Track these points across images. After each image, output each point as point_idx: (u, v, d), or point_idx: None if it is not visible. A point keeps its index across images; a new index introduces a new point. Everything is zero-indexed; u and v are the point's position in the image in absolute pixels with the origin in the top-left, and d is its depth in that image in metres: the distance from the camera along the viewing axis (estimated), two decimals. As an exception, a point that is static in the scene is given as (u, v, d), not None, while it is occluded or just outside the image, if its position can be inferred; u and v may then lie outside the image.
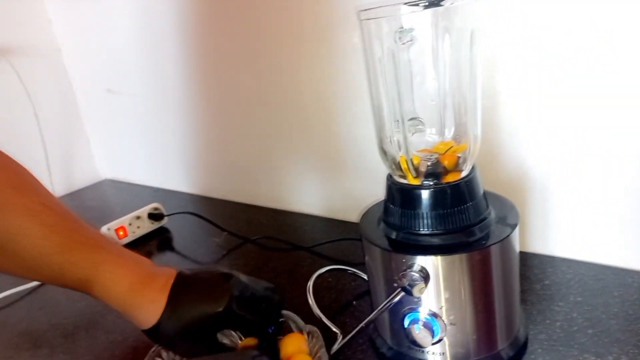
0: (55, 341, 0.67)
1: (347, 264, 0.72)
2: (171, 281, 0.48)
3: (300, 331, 0.52)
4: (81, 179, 1.35)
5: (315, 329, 0.51)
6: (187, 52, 1.02)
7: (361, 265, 0.70)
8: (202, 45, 0.99)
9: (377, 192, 0.59)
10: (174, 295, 0.47)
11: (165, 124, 1.16)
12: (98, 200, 1.26)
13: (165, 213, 0.98)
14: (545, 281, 0.63)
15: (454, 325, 0.49)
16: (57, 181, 1.27)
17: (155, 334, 0.47)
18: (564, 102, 0.61)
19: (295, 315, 0.54)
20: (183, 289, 0.48)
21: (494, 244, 0.48)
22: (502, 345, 0.51)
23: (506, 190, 0.58)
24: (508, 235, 0.48)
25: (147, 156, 1.26)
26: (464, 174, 0.50)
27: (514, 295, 0.52)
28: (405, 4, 0.45)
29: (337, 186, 0.90)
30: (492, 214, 0.51)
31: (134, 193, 1.25)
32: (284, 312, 0.55)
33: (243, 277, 0.52)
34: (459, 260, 0.47)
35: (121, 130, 1.28)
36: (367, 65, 0.51)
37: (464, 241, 0.48)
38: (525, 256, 0.68)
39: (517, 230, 0.49)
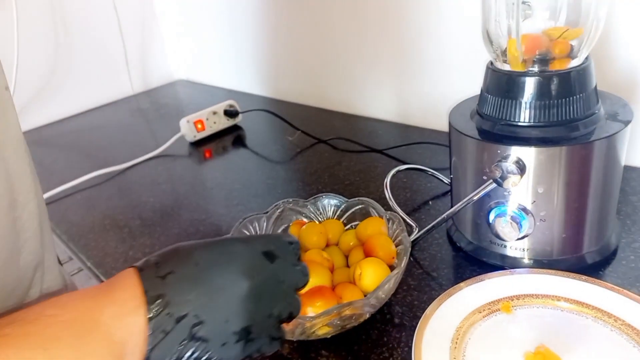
0: (147, 217, 0.72)
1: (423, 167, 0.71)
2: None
3: (380, 216, 0.53)
4: (157, 78, 1.38)
5: (395, 215, 0.51)
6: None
7: (439, 169, 0.69)
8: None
9: (457, 97, 0.56)
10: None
11: (238, 25, 1.14)
12: (172, 98, 1.30)
13: (240, 110, 0.99)
14: (641, 194, 0.59)
15: (543, 221, 0.47)
16: (135, 79, 1.31)
17: None
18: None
19: (374, 201, 0.54)
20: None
21: (600, 139, 0.44)
22: (589, 248, 0.49)
23: (619, 91, 0.53)
24: (617, 132, 0.45)
25: (220, 57, 1.26)
26: (575, 62, 0.45)
27: (611, 200, 0.49)
28: None
29: (414, 90, 0.87)
30: (602, 111, 0.47)
31: (209, 93, 1.28)
32: (363, 199, 0.55)
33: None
34: (559, 153, 0.44)
35: (195, 31, 1.28)
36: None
37: (566, 135, 0.45)
38: (626, 170, 0.64)
39: (628, 128, 0.46)
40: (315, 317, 0.39)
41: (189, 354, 0.30)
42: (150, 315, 0.29)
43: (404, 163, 0.75)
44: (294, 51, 1.05)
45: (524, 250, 0.49)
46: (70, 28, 1.17)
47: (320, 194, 0.58)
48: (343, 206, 0.57)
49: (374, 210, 0.54)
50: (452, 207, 0.54)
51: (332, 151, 0.84)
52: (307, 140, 0.89)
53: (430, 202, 0.65)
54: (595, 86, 0.47)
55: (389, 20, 0.84)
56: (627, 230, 0.53)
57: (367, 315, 0.44)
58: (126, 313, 0.29)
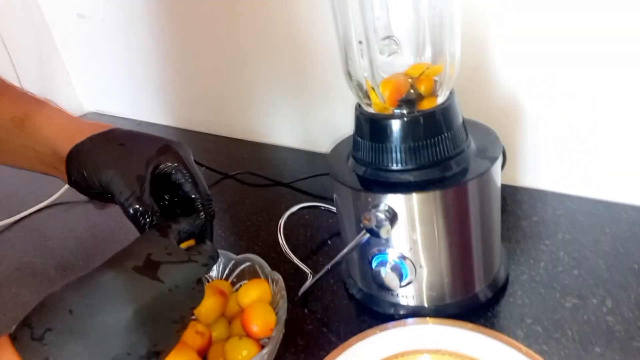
0: (26, 282, 0.66)
1: (327, 200, 0.68)
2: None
3: (266, 277, 0.49)
4: (64, 113, 1.30)
5: (278, 276, 0.47)
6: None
7: (339, 202, 0.66)
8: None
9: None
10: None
11: (140, 55, 1.08)
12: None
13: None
14: (534, 217, 0.58)
15: (425, 267, 0.45)
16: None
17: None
18: (561, 16, 0.53)
19: (262, 260, 0.50)
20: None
21: (471, 179, 0.43)
22: (479, 287, 0.48)
23: (493, 119, 0.52)
24: (487, 170, 0.43)
25: (127, 88, 1.19)
26: (440, 100, 0.43)
27: (494, 235, 0.48)
28: None
29: (319, 117, 0.84)
30: (472, 146, 0.46)
31: (117, 124, 1.20)
32: (250, 255, 0.51)
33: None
34: (432, 198, 0.42)
35: (100, 63, 1.21)
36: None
37: (438, 177, 0.43)
38: (514, 190, 0.63)
39: (497, 163, 0.44)
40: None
41: None
42: None
43: (309, 195, 0.72)
44: (199, 80, 1.00)
45: (412, 297, 0.47)
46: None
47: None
48: (231, 264, 0.53)
49: (260, 269, 0.50)
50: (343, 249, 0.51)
51: (238, 187, 0.80)
52: (213, 175, 0.84)
53: (329, 242, 0.62)
54: (463, 121, 0.45)
55: (290, 46, 0.81)
56: (516, 261, 0.52)
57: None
58: None
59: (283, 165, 0.85)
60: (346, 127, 0.80)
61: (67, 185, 0.88)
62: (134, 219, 0.37)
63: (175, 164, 0.39)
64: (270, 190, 0.77)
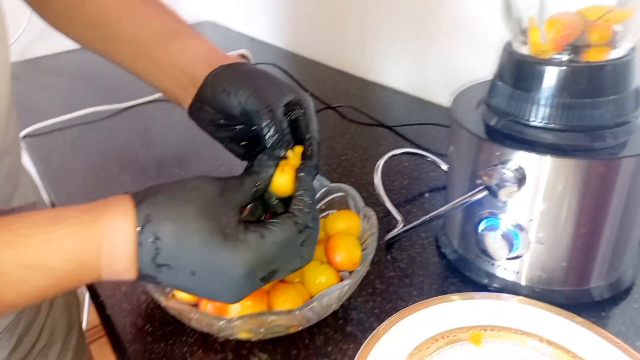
0: (127, 165, 0.68)
1: (431, 152, 0.63)
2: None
3: (357, 211, 0.46)
4: (183, 17, 1.32)
5: (372, 212, 0.44)
6: None
7: (445, 157, 0.60)
8: None
9: (484, 76, 0.47)
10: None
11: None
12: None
13: (252, 61, 0.92)
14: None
15: (541, 244, 0.39)
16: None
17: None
18: None
19: (357, 192, 0.47)
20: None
21: (629, 156, 0.35)
22: (597, 282, 0.41)
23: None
24: (654, 150, 0.35)
25: (247, 2, 1.18)
26: (616, 54, 0.36)
27: (633, 231, 0.40)
28: None
29: (438, 64, 0.77)
30: (640, 120, 0.38)
31: (232, 38, 1.21)
32: (345, 186, 0.48)
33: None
34: (574, 167, 0.36)
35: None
36: None
37: (587, 144, 0.36)
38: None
39: (669, 146, 0.36)
40: (230, 320, 0.33)
41: None
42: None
43: (413, 144, 0.67)
44: (318, 5, 0.96)
45: (515, 273, 0.42)
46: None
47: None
48: (323, 190, 0.50)
49: (352, 202, 0.47)
50: (447, 204, 0.46)
51: (339, 120, 0.77)
52: (316, 103, 0.81)
53: (426, 195, 0.57)
54: (637, 88, 0.37)
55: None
56: (649, 266, 0.44)
57: (299, 327, 0.38)
58: (116, 223, 0.29)
59: (389, 107, 0.80)
60: (468, 77, 0.73)
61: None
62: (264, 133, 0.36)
63: (302, 111, 0.38)
64: (370, 130, 0.73)
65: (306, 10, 1.00)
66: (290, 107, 0.37)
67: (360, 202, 0.46)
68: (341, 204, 0.48)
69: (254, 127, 0.37)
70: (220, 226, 0.30)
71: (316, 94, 0.82)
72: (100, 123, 0.81)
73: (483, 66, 0.47)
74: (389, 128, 0.72)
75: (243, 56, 0.91)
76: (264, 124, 0.35)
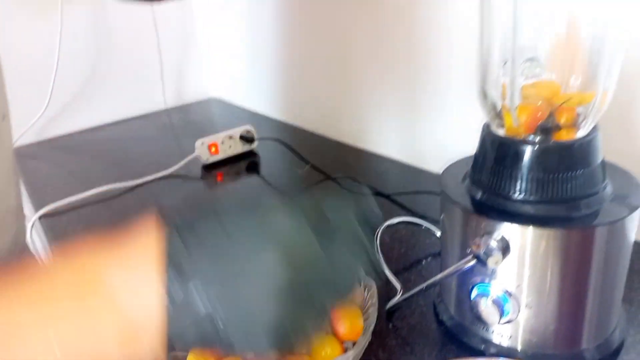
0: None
1: (425, 219, 0.66)
2: None
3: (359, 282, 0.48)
4: (191, 94, 1.40)
5: (373, 283, 0.46)
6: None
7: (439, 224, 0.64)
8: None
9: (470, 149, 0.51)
10: None
11: (266, 49, 1.14)
12: (202, 116, 1.31)
13: (256, 137, 0.98)
14: (664, 283, 0.51)
15: (530, 308, 0.42)
16: (168, 94, 1.34)
17: None
18: None
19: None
20: None
21: (601, 225, 0.39)
22: (588, 344, 0.43)
23: (638, 168, 0.47)
24: (622, 218, 0.39)
25: (249, 81, 1.26)
26: (580, 133, 0.40)
27: (615, 292, 0.43)
28: None
29: (430, 135, 0.82)
30: (609, 190, 0.41)
31: (236, 114, 1.28)
32: None
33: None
34: (553, 236, 0.39)
35: (230, 52, 1.29)
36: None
37: (563, 215, 0.40)
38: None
39: (636, 214, 0.40)
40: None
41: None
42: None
43: (408, 211, 0.71)
44: (317, 82, 1.03)
45: (509, 337, 0.44)
46: (112, 40, 1.21)
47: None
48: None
49: (352, 270, 0.49)
50: (441, 272, 0.49)
51: (338, 189, 0.81)
52: (315, 175, 0.86)
53: (423, 262, 0.60)
54: (602, 161, 0.41)
55: (408, 56, 0.80)
56: (636, 326, 0.46)
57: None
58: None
59: (385, 177, 0.84)
60: (458, 148, 0.78)
61: (187, 158, 0.95)
62: None
63: None
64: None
65: (306, 86, 1.08)
66: None
67: (362, 273, 0.49)
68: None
69: None
70: None
71: (316, 165, 0.87)
72: (114, 201, 0.85)
73: (470, 139, 0.52)
74: (386, 197, 0.76)
75: (248, 131, 0.97)
76: None
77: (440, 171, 0.47)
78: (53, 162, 1.07)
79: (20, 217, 0.48)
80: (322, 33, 0.96)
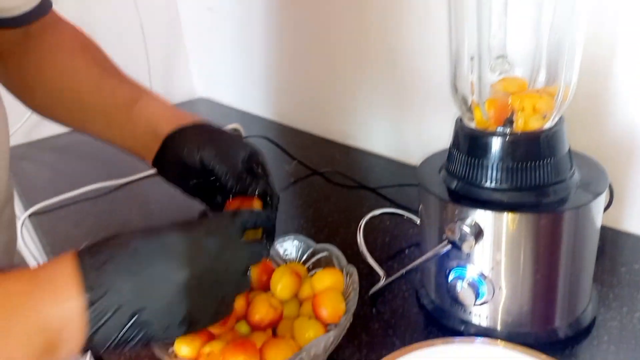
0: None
1: (409, 210, 0.69)
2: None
3: (341, 269, 0.50)
4: (179, 94, 1.41)
5: (353, 269, 0.49)
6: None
7: (423, 214, 0.66)
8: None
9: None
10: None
11: (253, 52, 1.15)
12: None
13: (243, 135, 1.00)
14: (635, 265, 0.54)
15: (504, 290, 0.44)
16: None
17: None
18: None
19: (339, 251, 0.52)
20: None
21: (568, 209, 0.41)
22: (561, 322, 0.46)
23: (603, 155, 0.49)
24: (587, 204, 0.41)
25: (236, 80, 1.28)
26: (547, 125, 0.43)
27: (584, 273, 0.45)
28: None
29: (413, 129, 0.85)
30: (576, 177, 0.44)
31: (224, 113, 1.29)
32: (329, 246, 0.53)
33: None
34: (524, 220, 0.41)
35: (216, 53, 1.31)
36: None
37: (533, 201, 0.42)
38: (616, 235, 0.59)
39: (600, 199, 0.42)
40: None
41: (132, 336, 0.30)
42: (88, 302, 0.29)
43: (393, 203, 0.73)
44: (302, 81, 1.05)
45: (486, 318, 0.46)
46: (96, 38, 1.22)
47: (290, 235, 0.56)
48: (310, 250, 0.55)
49: (336, 260, 0.52)
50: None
51: (325, 184, 0.83)
52: (303, 170, 0.88)
53: (406, 250, 0.62)
54: (569, 150, 0.44)
55: (391, 56, 0.83)
56: (606, 305, 0.49)
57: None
58: (64, 300, 0.29)
59: (371, 170, 0.87)
60: (440, 142, 0.80)
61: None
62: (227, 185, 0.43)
63: (261, 164, 0.45)
64: (354, 193, 0.79)
65: (293, 85, 1.09)
66: (249, 162, 0.44)
67: (343, 260, 0.51)
68: (327, 263, 0.53)
69: (214, 178, 0.43)
70: None
71: (304, 161, 0.89)
72: (102, 198, 0.86)
73: (448, 134, 0.55)
74: (372, 190, 0.78)
75: (235, 130, 0.99)
76: (225, 177, 0.42)
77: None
78: (42, 163, 1.08)
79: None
80: (308, 32, 0.98)
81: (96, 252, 0.31)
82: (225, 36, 1.24)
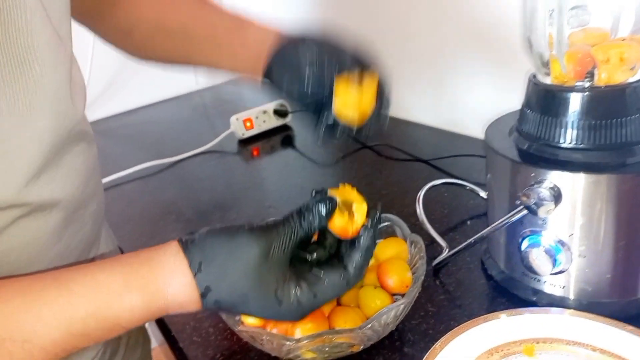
0: (182, 213, 0.74)
1: (467, 181, 0.66)
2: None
3: (404, 238, 0.49)
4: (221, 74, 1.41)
5: (419, 238, 0.47)
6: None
7: (483, 185, 0.63)
8: None
9: (511, 107, 0.50)
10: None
11: (299, 21, 1.13)
12: (234, 94, 1.32)
13: (290, 110, 0.99)
14: None
15: (583, 257, 0.41)
16: (199, 75, 1.35)
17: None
18: None
19: (402, 221, 0.50)
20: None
21: (659, 169, 0.38)
22: (643, 292, 0.43)
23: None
24: (682, 161, 0.38)
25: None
26: (635, 76, 0.39)
27: (673, 238, 0.42)
28: None
29: (468, 98, 0.81)
30: (664, 134, 0.40)
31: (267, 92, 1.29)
32: (391, 216, 0.51)
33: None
34: (607, 182, 0.38)
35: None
36: None
37: (616, 161, 0.39)
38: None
39: (696, 157, 0.38)
40: (298, 340, 0.37)
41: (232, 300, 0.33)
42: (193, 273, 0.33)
43: (449, 175, 0.70)
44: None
45: (561, 287, 0.44)
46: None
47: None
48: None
49: (399, 230, 0.50)
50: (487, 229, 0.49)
51: (376, 158, 0.81)
52: (353, 144, 0.86)
53: (468, 222, 0.60)
54: (659, 106, 0.40)
55: (442, 17, 0.79)
56: (694, 275, 0.45)
57: (361, 347, 0.41)
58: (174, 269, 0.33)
59: (423, 143, 0.84)
60: (495, 109, 0.77)
61: (223, 134, 0.96)
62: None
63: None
64: (406, 165, 0.77)
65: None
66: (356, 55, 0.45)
67: (406, 230, 0.49)
68: (388, 233, 0.51)
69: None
70: (270, 289, 0.33)
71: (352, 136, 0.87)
72: (152, 177, 0.87)
73: (507, 98, 0.52)
74: (425, 162, 0.76)
75: (281, 105, 0.98)
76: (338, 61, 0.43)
77: (478, 133, 0.47)
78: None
79: None
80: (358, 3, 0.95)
81: (191, 234, 0.36)
82: (267, 9, 1.22)
